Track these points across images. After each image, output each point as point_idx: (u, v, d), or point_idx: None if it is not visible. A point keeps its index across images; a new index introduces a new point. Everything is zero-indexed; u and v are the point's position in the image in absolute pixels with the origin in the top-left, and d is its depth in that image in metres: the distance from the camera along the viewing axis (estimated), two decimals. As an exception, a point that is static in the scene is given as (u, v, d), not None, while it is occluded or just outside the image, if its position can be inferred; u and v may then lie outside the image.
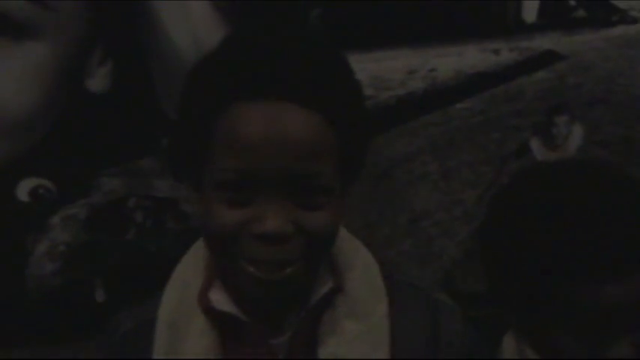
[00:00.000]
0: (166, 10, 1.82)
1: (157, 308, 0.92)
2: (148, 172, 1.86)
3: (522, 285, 0.97)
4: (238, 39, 0.83)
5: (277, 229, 0.77)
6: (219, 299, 0.90)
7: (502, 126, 2.39)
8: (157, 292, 0.94)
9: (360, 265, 0.96)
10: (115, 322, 0.97)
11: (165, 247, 1.89)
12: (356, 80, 0.82)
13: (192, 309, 0.92)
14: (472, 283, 1.17)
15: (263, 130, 0.76)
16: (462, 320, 0.96)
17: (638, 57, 2.64)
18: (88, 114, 1.83)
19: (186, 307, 0.92)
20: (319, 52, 0.82)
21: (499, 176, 2.36)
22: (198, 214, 0.86)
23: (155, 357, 0.91)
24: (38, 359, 1.84)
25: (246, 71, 0.78)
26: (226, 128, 0.78)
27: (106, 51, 1.83)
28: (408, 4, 2.19)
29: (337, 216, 0.82)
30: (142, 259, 1.88)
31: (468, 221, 2.33)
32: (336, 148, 0.80)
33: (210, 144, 0.80)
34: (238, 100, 0.78)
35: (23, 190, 1.78)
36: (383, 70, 2.20)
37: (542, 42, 2.52)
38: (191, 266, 0.96)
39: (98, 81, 1.84)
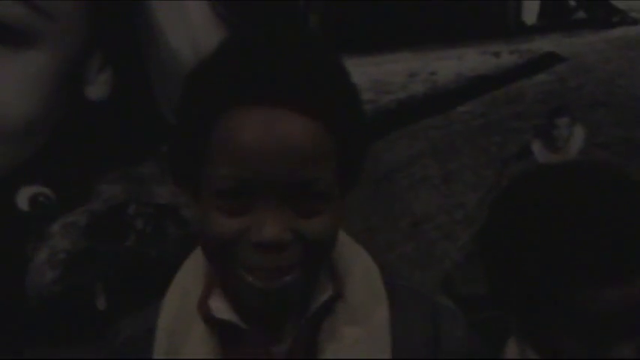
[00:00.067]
0: (165, 15, 1.82)
1: (156, 317, 0.92)
2: (148, 178, 1.86)
3: (523, 288, 0.97)
4: (234, 44, 0.83)
5: (275, 237, 0.77)
6: (219, 307, 0.90)
7: (503, 129, 2.39)
8: (157, 301, 0.94)
9: (360, 270, 0.95)
10: (115, 330, 0.97)
11: (166, 253, 1.88)
12: (353, 84, 0.82)
13: (192, 317, 0.92)
14: (474, 287, 1.16)
15: (260, 137, 0.76)
16: (463, 323, 0.96)
17: (638, 58, 2.64)
18: (87, 121, 1.83)
19: (186, 315, 0.92)
20: (316, 57, 0.81)
21: (500, 179, 2.35)
22: (196, 221, 0.86)
23: (155, 365, 0.91)
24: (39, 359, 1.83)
25: (242, 77, 0.77)
26: (223, 135, 0.78)
27: (105, 58, 1.82)
28: (407, 7, 2.19)
29: (336, 222, 0.82)
30: (142, 265, 1.87)
31: (469, 224, 2.32)
32: (334, 153, 0.79)
33: (207, 151, 0.80)
34: (235, 107, 0.77)
35: (23, 198, 1.78)
36: (383, 73, 2.19)
37: (543, 44, 2.51)
38: (191, 274, 0.96)
39: (97, 88, 1.83)
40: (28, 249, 1.82)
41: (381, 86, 2.20)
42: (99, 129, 1.84)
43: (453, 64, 2.33)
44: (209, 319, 0.90)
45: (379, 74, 2.19)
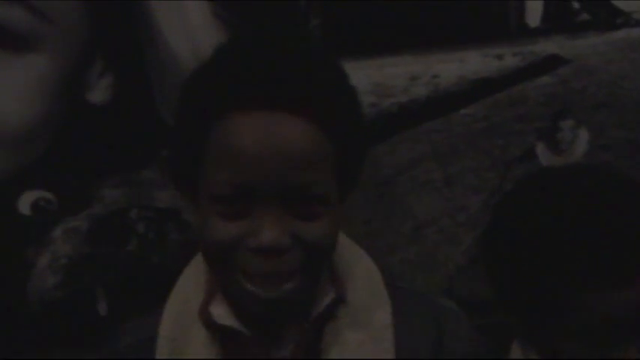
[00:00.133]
0: (166, 19, 1.82)
1: (158, 324, 0.92)
2: (149, 182, 1.86)
3: (527, 291, 0.96)
4: (230, 48, 0.83)
5: (274, 242, 0.77)
6: (221, 313, 0.90)
7: (506, 131, 2.38)
8: (158, 307, 0.94)
9: (361, 273, 0.96)
10: (116, 336, 0.97)
11: (169, 258, 1.88)
12: (352, 87, 0.82)
13: (193, 323, 0.92)
14: (477, 290, 1.15)
15: (257, 142, 0.76)
16: (466, 324, 0.96)
17: (642, 60, 2.63)
18: (88, 126, 1.83)
19: (187, 322, 0.92)
20: (314, 60, 0.81)
21: (503, 182, 2.35)
22: (197, 226, 0.86)
23: (156, 373, 0.91)
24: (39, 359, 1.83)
25: (240, 81, 0.77)
26: (220, 140, 0.77)
27: (106, 62, 1.82)
28: (409, 9, 2.18)
29: (335, 225, 0.82)
30: (144, 270, 1.87)
31: (472, 228, 2.32)
32: (332, 156, 0.79)
33: (205, 156, 0.80)
34: (231, 111, 0.77)
35: (25, 203, 1.78)
36: (385, 76, 2.18)
37: (546, 46, 2.50)
38: (192, 280, 0.96)
39: (99, 93, 1.84)
40: (29, 254, 1.82)
41: (383, 89, 2.19)
42: (100, 133, 1.84)
43: (455, 66, 2.32)
44: (210, 325, 0.90)
45: (380, 77, 2.19)
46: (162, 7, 1.82)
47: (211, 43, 0.85)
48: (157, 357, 0.92)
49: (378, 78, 2.18)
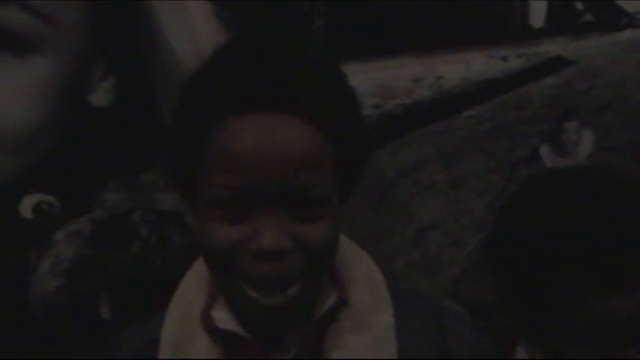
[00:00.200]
0: (168, 20, 1.82)
1: (160, 328, 0.92)
2: (151, 185, 1.85)
3: (532, 294, 0.96)
4: (228, 51, 0.83)
5: (274, 244, 0.76)
6: (222, 317, 0.90)
7: (511, 133, 2.37)
8: (160, 311, 0.94)
9: (363, 275, 0.95)
10: (118, 340, 0.97)
11: (171, 261, 1.88)
12: (351, 89, 0.82)
13: (195, 328, 0.92)
14: (482, 294, 1.15)
15: (256, 144, 0.76)
16: (470, 327, 0.96)
17: (647, 61, 2.62)
18: (90, 128, 1.83)
19: (189, 327, 0.92)
20: (312, 63, 0.81)
21: (508, 184, 2.34)
22: (197, 230, 0.86)
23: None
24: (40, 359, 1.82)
25: (237, 84, 0.77)
26: (219, 143, 0.77)
27: (108, 65, 1.82)
28: (412, 11, 2.18)
29: (336, 227, 0.82)
30: (147, 273, 1.87)
31: (477, 231, 2.31)
32: (332, 158, 0.79)
33: (203, 160, 0.79)
34: (230, 114, 0.77)
35: (27, 206, 1.78)
36: (389, 78, 2.18)
37: (550, 47, 2.49)
38: (193, 284, 0.97)
39: (101, 95, 1.83)
40: (31, 258, 1.82)
41: (386, 91, 2.19)
42: (102, 136, 1.84)
43: (459, 68, 2.32)
44: (212, 330, 0.90)
45: (384, 79, 2.18)
46: (164, 8, 1.82)
47: (214, 45, 0.85)
48: (160, 362, 0.92)
49: (381, 80, 2.18)
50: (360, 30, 2.14)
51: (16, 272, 1.80)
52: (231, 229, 0.78)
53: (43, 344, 1.83)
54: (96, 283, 1.85)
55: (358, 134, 0.84)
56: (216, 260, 0.82)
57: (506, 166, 2.39)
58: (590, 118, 2.53)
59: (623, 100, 2.53)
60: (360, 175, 0.87)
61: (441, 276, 2.31)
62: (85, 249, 1.84)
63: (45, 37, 1.73)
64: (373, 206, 2.15)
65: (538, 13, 2.46)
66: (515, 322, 1.06)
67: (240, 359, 0.91)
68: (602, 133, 2.55)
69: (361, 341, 0.89)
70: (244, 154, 0.74)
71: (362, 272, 0.94)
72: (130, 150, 1.85)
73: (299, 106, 0.76)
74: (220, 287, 0.92)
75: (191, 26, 1.83)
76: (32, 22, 1.70)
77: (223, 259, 0.79)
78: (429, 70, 2.26)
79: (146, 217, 1.90)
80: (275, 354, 0.91)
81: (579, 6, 2.51)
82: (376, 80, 2.17)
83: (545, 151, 2.48)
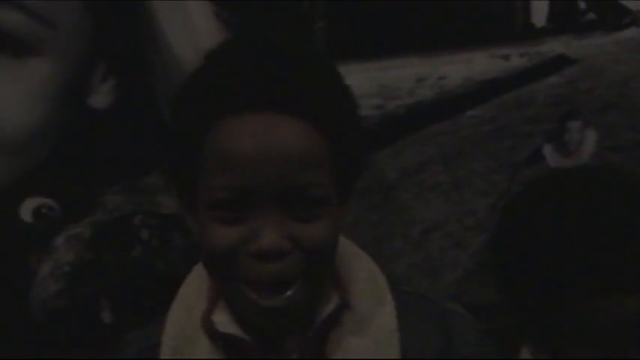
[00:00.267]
0: (168, 21, 1.82)
1: (161, 332, 0.92)
2: (152, 188, 1.85)
3: (536, 295, 0.95)
4: (224, 51, 0.83)
5: (273, 245, 0.76)
6: (223, 321, 0.89)
7: (513, 133, 2.37)
8: (161, 316, 0.94)
9: (365, 278, 0.95)
10: (119, 344, 0.97)
11: (173, 264, 1.87)
12: (347, 87, 0.82)
13: (196, 332, 0.91)
14: (486, 295, 1.14)
15: (253, 145, 0.75)
16: (474, 329, 0.95)
17: (650, 60, 2.62)
18: (91, 131, 1.83)
19: (190, 331, 0.91)
20: (309, 62, 0.81)
21: (511, 185, 2.34)
22: (195, 234, 0.86)
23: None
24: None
25: (234, 84, 0.77)
26: (216, 144, 0.77)
27: (108, 67, 1.82)
28: (414, 11, 2.17)
29: (335, 227, 0.81)
30: (148, 277, 1.86)
31: (480, 231, 2.31)
32: (330, 157, 0.79)
33: (200, 161, 0.79)
34: (226, 115, 0.77)
35: (27, 210, 1.78)
36: (391, 79, 2.18)
37: (553, 46, 2.49)
38: (194, 288, 0.96)
39: (101, 97, 1.83)
40: (31, 261, 1.82)
41: (388, 92, 2.18)
42: (103, 138, 1.84)
43: (461, 68, 2.32)
44: (213, 334, 0.90)
45: (386, 79, 2.18)
46: (164, 8, 1.82)
47: (214, 45, 0.85)
48: (161, 367, 0.91)
49: (383, 80, 2.18)
50: (362, 30, 2.14)
51: (17, 276, 1.80)
52: (231, 230, 0.77)
53: (43, 348, 1.82)
54: (96, 287, 1.85)
55: (356, 134, 0.84)
56: (215, 262, 0.81)
57: (509, 167, 2.39)
58: (594, 117, 2.52)
59: (627, 100, 2.53)
60: (359, 175, 0.87)
61: (443, 278, 2.31)
62: (85, 253, 1.84)
63: (43, 38, 1.72)
64: (375, 208, 2.14)
65: (540, 12, 2.46)
66: (519, 322, 1.05)
67: (241, 363, 0.90)
68: (606, 133, 2.55)
69: (364, 344, 0.89)
70: (242, 155, 0.74)
71: (363, 274, 0.93)
72: (131, 152, 1.85)
73: (297, 106, 0.76)
74: (221, 291, 0.91)
75: (191, 26, 1.82)
76: (30, 23, 1.69)
77: (223, 261, 0.79)
78: (431, 70, 2.25)
79: (147, 221, 1.90)
80: (277, 358, 0.91)
81: (582, 5, 2.51)
82: (378, 81, 2.17)
83: (548, 150, 2.48)
